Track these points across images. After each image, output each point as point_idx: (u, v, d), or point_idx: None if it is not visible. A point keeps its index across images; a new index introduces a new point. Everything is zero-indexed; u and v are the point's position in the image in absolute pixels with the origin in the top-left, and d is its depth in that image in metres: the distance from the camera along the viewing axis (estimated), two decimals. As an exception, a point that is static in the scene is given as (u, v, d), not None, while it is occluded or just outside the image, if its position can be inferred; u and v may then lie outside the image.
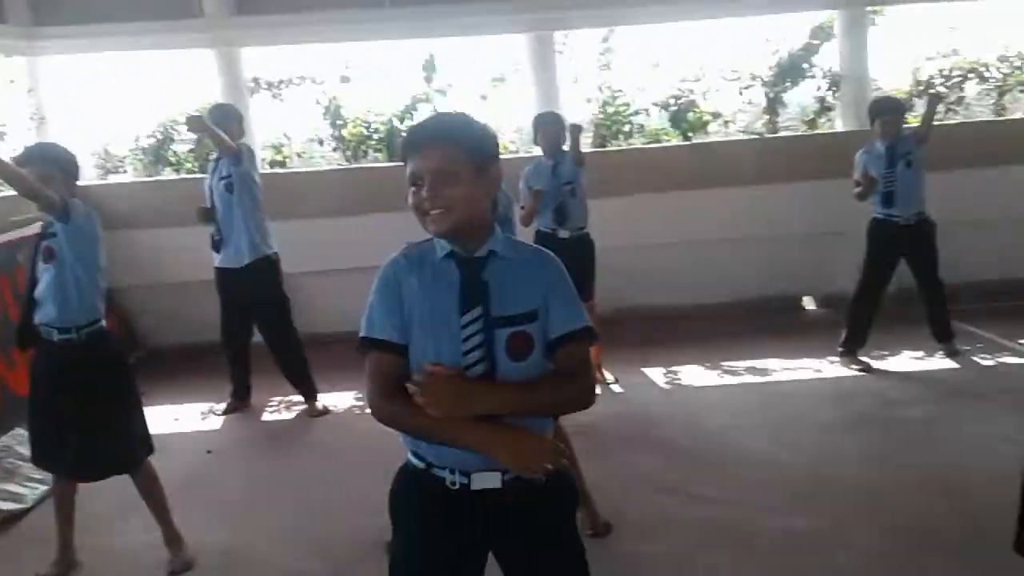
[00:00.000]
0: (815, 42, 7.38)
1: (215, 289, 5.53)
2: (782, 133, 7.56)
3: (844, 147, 6.87)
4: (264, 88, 7.28)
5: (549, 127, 5.45)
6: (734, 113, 7.59)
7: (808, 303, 7.42)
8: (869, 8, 7.23)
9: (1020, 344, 5.86)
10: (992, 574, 3.10)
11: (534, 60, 7.17)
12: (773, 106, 7.44)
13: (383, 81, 7.44)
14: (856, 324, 5.71)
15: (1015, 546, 2.32)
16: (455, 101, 7.35)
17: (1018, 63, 7.40)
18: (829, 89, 7.41)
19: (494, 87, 7.40)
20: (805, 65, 7.41)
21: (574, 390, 1.90)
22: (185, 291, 6.61)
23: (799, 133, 7.58)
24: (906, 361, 5.73)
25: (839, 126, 7.50)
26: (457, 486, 1.88)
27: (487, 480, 1.86)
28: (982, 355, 5.74)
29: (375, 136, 7.39)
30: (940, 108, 6.63)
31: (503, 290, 1.87)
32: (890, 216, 5.55)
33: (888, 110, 5.55)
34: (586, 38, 7.40)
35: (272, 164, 7.38)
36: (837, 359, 5.75)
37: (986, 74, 7.39)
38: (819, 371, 5.67)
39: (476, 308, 1.85)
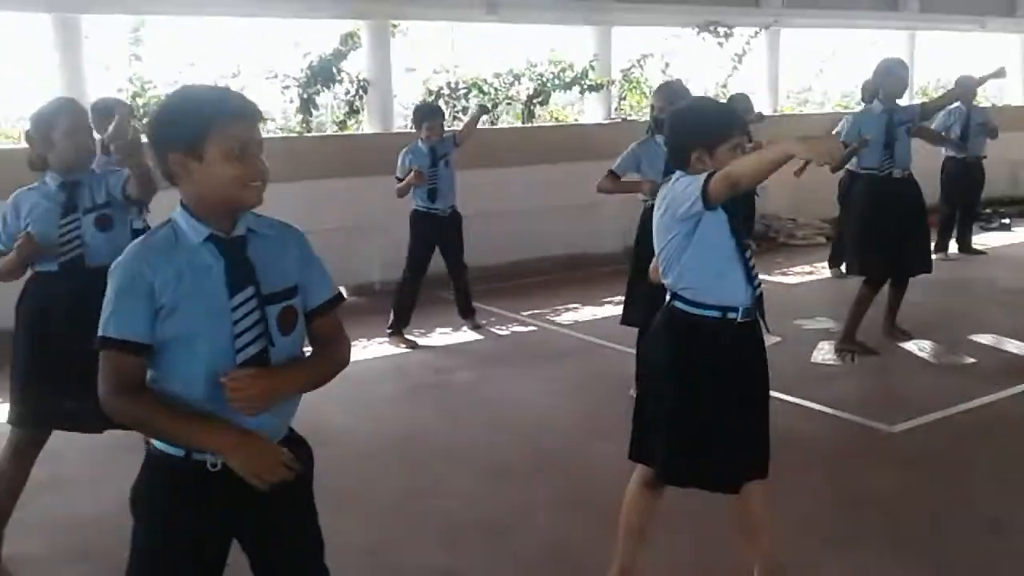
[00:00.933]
0: (343, 49, 7.97)
1: None
2: (316, 133, 8.05)
3: (372, 147, 7.62)
4: None
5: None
6: (272, 112, 7.88)
7: (343, 292, 8.01)
8: (392, 21, 8.04)
9: (523, 315, 7.10)
10: (559, 486, 3.93)
11: (57, 42, 6.68)
12: (307, 106, 7.87)
13: None
14: (402, 307, 6.41)
15: (630, 455, 2.98)
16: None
17: (509, 80, 8.81)
18: (357, 93, 8.07)
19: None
20: (335, 70, 7.97)
21: (342, 355, 2.08)
22: None
23: (331, 134, 8.13)
24: (441, 336, 6.61)
25: (367, 128, 8.20)
26: (218, 467, 1.90)
27: None
28: (498, 327, 6.85)
29: None
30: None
31: (267, 267, 1.93)
32: (431, 209, 6.31)
33: (433, 115, 6.32)
34: (115, 25, 7.08)
35: None
36: (386, 339, 6.41)
37: (484, 88, 8.66)
38: (374, 352, 6.26)
39: (248, 288, 1.89)
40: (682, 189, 2.71)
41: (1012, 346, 5.95)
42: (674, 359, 2.85)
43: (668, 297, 2.90)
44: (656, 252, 2.89)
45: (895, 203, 5.66)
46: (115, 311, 1.85)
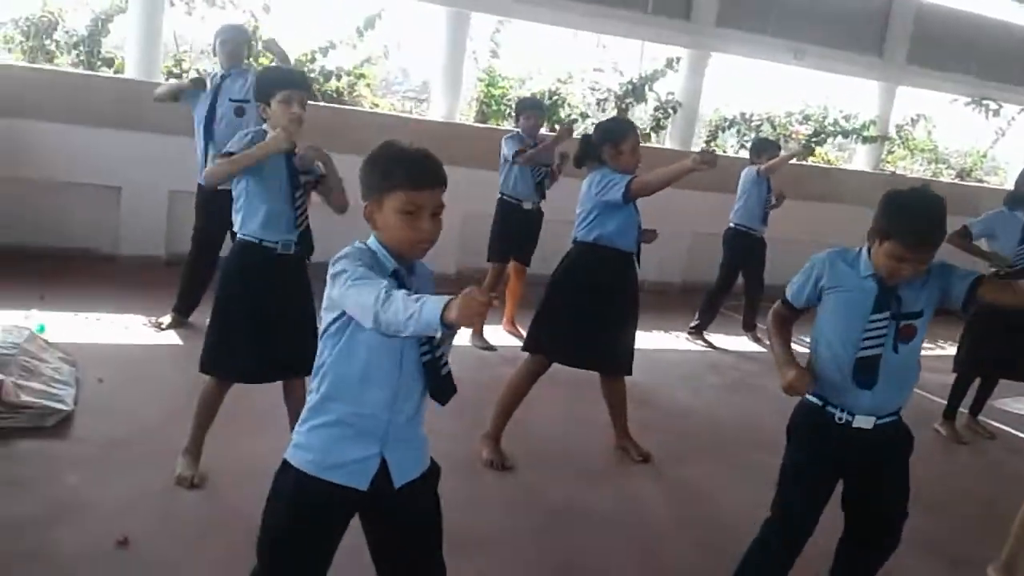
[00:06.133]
0: (661, 70, 8.82)
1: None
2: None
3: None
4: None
5: None
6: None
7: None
8: (711, 52, 8.87)
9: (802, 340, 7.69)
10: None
11: (448, 34, 7.80)
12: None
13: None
14: (710, 310, 7.20)
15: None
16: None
17: (799, 119, 9.53)
18: (664, 111, 8.91)
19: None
20: (647, 88, 8.84)
21: None
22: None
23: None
24: (742, 343, 7.34)
25: (668, 143, 9.05)
26: (843, 421, 2.69)
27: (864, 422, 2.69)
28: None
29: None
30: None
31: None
32: (751, 230, 7.00)
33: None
34: (482, 23, 8.15)
35: None
36: (687, 337, 7.22)
37: (775, 123, 9.40)
38: (671, 343, 7.11)
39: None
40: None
41: None
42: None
43: None
44: None
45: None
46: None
